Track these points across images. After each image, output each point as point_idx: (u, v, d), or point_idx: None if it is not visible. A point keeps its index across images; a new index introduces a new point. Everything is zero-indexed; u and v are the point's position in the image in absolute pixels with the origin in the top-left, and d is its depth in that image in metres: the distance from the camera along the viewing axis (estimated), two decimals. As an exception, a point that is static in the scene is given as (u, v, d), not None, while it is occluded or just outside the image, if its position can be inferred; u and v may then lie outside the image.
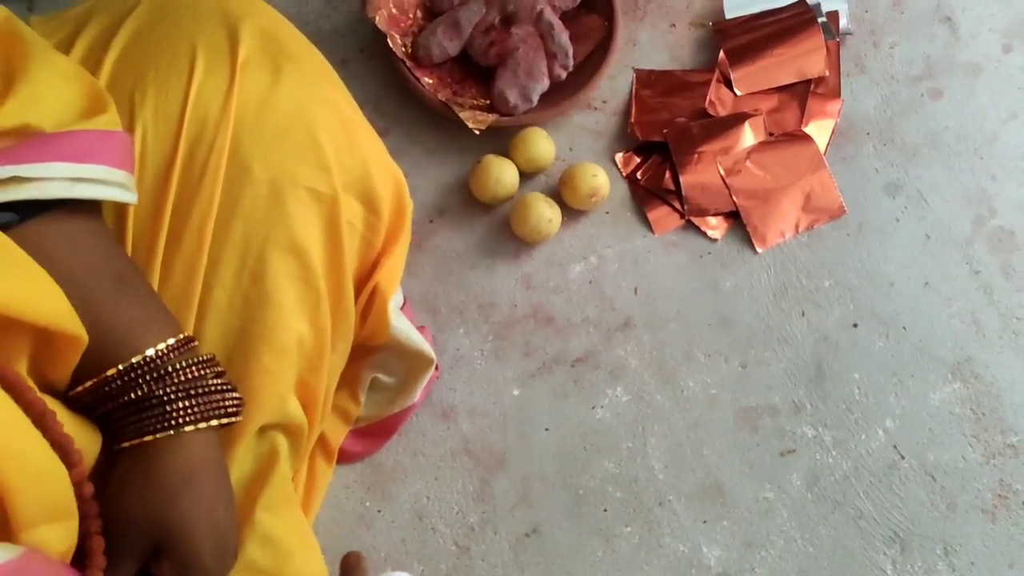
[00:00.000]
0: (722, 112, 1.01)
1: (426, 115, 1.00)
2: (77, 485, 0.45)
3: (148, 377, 0.50)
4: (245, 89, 0.56)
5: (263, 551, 0.59)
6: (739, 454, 0.88)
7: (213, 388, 0.52)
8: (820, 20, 1.03)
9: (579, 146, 1.01)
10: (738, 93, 1.02)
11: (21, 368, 0.47)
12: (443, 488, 0.87)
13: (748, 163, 0.98)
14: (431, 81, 0.99)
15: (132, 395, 0.50)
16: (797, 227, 0.97)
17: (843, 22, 1.05)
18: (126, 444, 0.51)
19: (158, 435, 0.50)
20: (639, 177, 0.99)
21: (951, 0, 1.08)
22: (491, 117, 0.96)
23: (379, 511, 0.86)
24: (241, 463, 0.60)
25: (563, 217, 0.95)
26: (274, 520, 0.60)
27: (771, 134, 1.01)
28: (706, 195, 0.98)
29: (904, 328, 0.93)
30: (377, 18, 0.98)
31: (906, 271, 0.96)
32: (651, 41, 1.06)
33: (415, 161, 0.98)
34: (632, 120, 1.01)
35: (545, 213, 0.92)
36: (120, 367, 0.50)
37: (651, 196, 0.98)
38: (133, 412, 0.50)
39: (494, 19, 1.00)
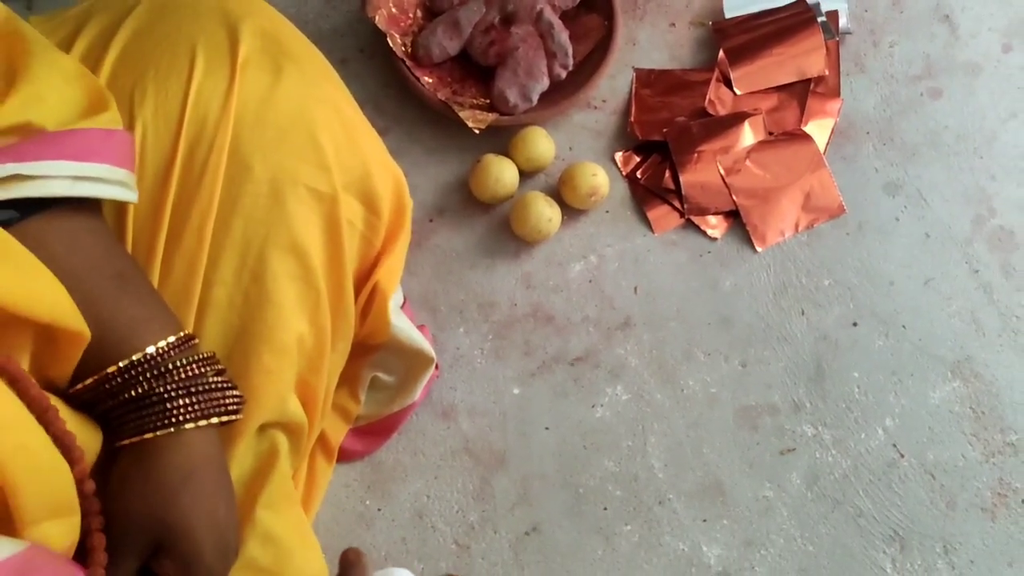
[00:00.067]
0: (722, 111, 1.01)
1: (426, 114, 1.00)
2: (79, 482, 0.45)
3: (148, 375, 0.50)
4: (245, 88, 0.57)
5: (263, 549, 0.59)
6: (739, 453, 0.88)
7: (213, 386, 0.53)
8: (820, 19, 1.03)
9: (579, 145, 1.01)
10: (738, 92, 1.02)
11: (23, 365, 0.47)
12: (443, 487, 0.87)
13: (748, 162, 0.99)
14: (431, 80, 1.00)
15: (132, 392, 0.50)
16: (797, 226, 0.97)
17: (843, 21, 1.05)
18: (126, 441, 0.51)
19: (158, 432, 0.50)
20: (639, 176, 0.99)
21: (950, -1, 1.09)
22: (491, 116, 0.96)
23: (379, 510, 0.86)
24: (241, 461, 0.60)
25: (563, 216, 0.95)
26: (274, 518, 0.60)
27: (771, 133, 1.01)
28: (706, 194, 0.98)
29: (904, 327, 0.93)
30: (377, 17, 0.98)
31: (906, 270, 0.96)
32: (651, 40, 1.06)
33: (415, 160, 0.98)
34: (632, 119, 1.01)
35: (545, 212, 0.92)
36: (121, 364, 0.50)
37: (651, 195, 0.98)
38: (133, 409, 0.50)
39: (494, 18, 1.00)
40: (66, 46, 0.57)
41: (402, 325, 0.75)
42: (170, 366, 0.51)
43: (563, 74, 0.99)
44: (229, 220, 0.57)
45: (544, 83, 0.98)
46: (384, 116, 1.01)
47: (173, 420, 0.50)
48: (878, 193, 0.99)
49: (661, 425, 0.89)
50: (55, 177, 0.49)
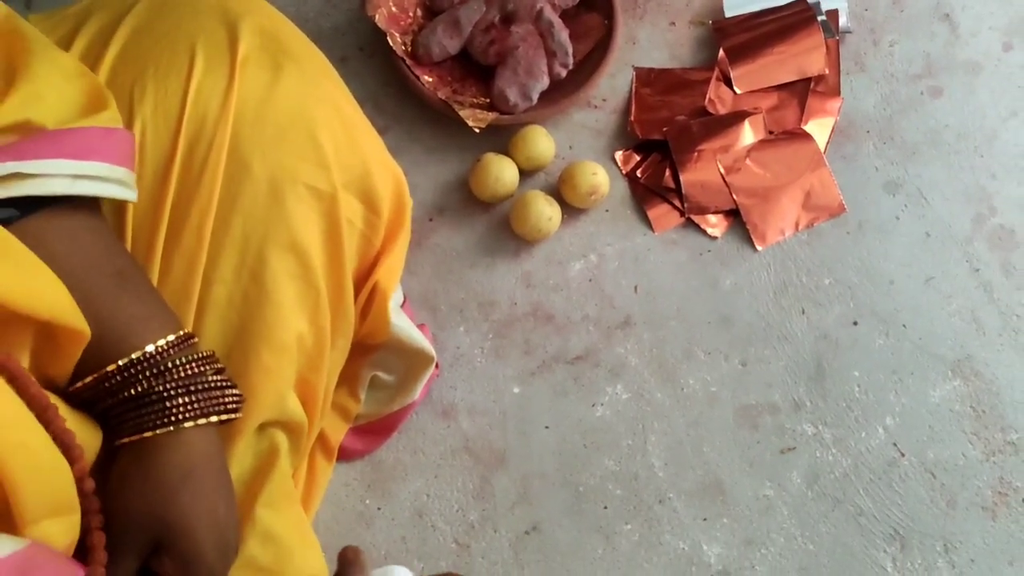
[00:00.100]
0: (722, 110, 1.01)
1: (426, 113, 1.00)
2: (79, 480, 0.45)
3: (148, 373, 0.50)
4: (245, 87, 0.57)
5: (263, 548, 0.59)
6: (739, 452, 0.88)
7: (213, 384, 0.53)
8: (820, 18, 1.03)
9: (579, 144, 1.01)
10: (738, 91, 1.02)
11: (23, 363, 0.47)
12: (443, 486, 0.87)
13: (748, 161, 0.99)
14: (431, 79, 1.00)
15: (132, 391, 0.50)
16: (797, 225, 0.97)
17: (843, 20, 1.05)
18: (126, 440, 0.51)
19: (158, 431, 0.50)
20: (639, 175, 0.99)
21: (951, -2, 1.09)
22: (491, 115, 0.96)
23: (379, 509, 0.86)
24: (241, 460, 0.60)
25: (563, 215, 0.95)
26: (274, 517, 0.60)
27: (771, 132, 1.01)
28: (706, 193, 0.98)
29: (904, 326, 0.93)
30: (377, 16, 0.98)
31: (906, 269, 0.96)
32: (651, 39, 1.06)
33: (415, 159, 0.98)
34: (632, 118, 1.01)
35: (545, 211, 0.92)
36: (120, 363, 0.50)
37: (651, 194, 0.98)
38: (133, 408, 0.50)
39: (494, 17, 1.00)
40: (65, 44, 0.57)
41: (402, 324, 0.75)
42: (169, 365, 0.51)
43: (563, 73, 0.99)
44: (228, 218, 0.57)
45: (544, 82, 0.98)
46: (384, 115, 1.01)
47: (172, 419, 0.50)
48: (878, 192, 0.99)
49: (661, 424, 0.89)
50: (55, 175, 0.49)
